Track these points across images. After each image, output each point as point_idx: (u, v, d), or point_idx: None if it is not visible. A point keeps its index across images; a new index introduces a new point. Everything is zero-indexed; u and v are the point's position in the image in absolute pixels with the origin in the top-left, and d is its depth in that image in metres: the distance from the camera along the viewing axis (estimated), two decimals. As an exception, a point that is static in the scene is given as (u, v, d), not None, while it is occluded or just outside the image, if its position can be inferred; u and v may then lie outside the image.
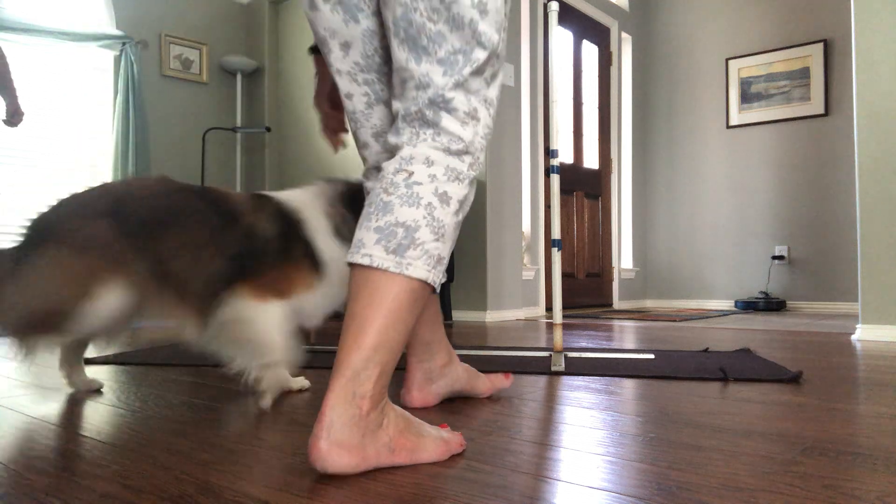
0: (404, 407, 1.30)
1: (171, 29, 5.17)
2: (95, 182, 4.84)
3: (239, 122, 5.55)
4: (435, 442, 0.93)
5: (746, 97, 5.13)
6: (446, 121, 0.97)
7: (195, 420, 1.20)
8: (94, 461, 0.93)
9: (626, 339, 2.70)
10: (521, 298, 4.19)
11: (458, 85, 0.97)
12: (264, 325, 1.35)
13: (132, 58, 4.80)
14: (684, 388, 1.51)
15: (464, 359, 1.99)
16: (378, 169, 1.19)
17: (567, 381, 1.62)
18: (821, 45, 4.81)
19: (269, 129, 5.23)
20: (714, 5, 5.32)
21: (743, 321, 3.74)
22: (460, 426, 1.13)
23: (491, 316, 3.91)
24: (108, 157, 4.84)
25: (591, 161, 5.21)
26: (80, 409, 1.31)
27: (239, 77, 5.52)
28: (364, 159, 1.21)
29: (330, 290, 1.48)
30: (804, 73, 4.88)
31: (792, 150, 4.94)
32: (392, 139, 1.00)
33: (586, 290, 5.10)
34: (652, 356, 1.99)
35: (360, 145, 1.19)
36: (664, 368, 1.77)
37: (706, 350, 2.21)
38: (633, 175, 5.54)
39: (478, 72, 0.98)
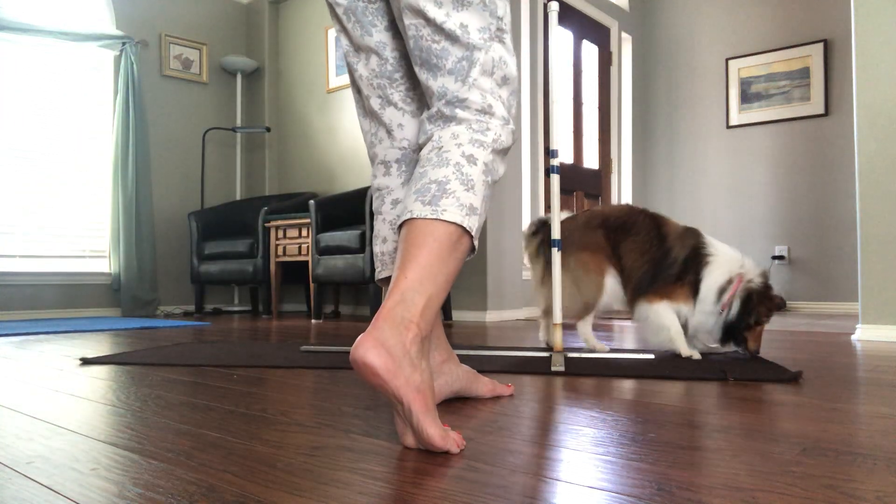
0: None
1: (171, 29, 5.17)
2: (94, 181, 4.85)
3: (239, 122, 5.55)
4: (439, 426, 0.95)
5: (746, 97, 5.13)
6: (463, 113, 1.10)
7: (195, 420, 1.20)
8: (94, 461, 0.93)
9: (626, 339, 2.70)
10: (521, 298, 4.19)
11: (471, 86, 1.10)
12: (656, 319, 2.04)
13: (132, 58, 4.80)
14: (684, 388, 1.51)
15: (463, 359, 1.99)
16: (385, 164, 1.31)
17: (567, 381, 1.62)
18: (821, 45, 4.81)
19: (269, 129, 5.23)
20: (714, 5, 5.32)
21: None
22: (460, 426, 1.13)
23: (491, 316, 3.91)
24: (108, 156, 4.84)
25: (591, 161, 5.21)
26: (81, 409, 1.31)
27: (239, 77, 5.52)
28: (375, 156, 1.33)
29: (699, 316, 2.03)
30: (804, 73, 4.88)
31: (792, 150, 4.94)
32: (421, 139, 1.15)
33: (586, 290, 5.09)
34: (652, 356, 1.99)
35: (378, 140, 1.32)
36: (664, 368, 1.77)
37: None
38: (633, 175, 5.54)
39: (485, 72, 1.10)
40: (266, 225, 4.47)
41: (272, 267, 4.45)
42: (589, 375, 1.71)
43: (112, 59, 4.91)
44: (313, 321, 3.96)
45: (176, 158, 5.20)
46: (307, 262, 4.50)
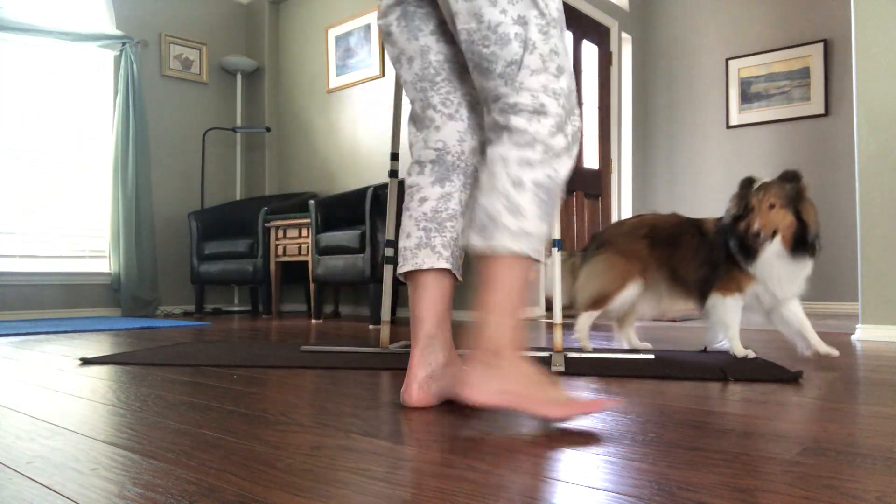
0: (403, 405, 1.30)
1: (171, 29, 5.17)
2: (94, 181, 4.85)
3: (239, 122, 5.55)
4: (552, 407, 1.10)
5: (746, 97, 5.13)
6: (514, 121, 1.14)
7: (195, 420, 1.20)
8: (94, 461, 0.93)
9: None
10: (521, 298, 4.19)
11: (520, 89, 1.14)
12: (724, 312, 2.06)
13: (132, 58, 4.80)
14: (684, 388, 1.51)
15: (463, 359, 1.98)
16: (420, 164, 1.38)
17: (567, 381, 1.62)
18: (821, 45, 4.81)
19: (269, 129, 5.23)
20: (714, 5, 5.32)
21: (743, 321, 3.73)
22: (461, 425, 1.13)
23: (491, 316, 3.90)
24: (108, 156, 4.84)
25: (591, 161, 5.21)
26: (80, 409, 1.31)
27: (239, 77, 5.52)
28: (414, 156, 1.41)
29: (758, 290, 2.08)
30: (804, 73, 4.88)
31: (792, 150, 4.94)
32: (487, 147, 1.22)
33: (586, 290, 5.09)
34: (652, 356, 1.99)
35: (419, 142, 1.40)
36: (664, 368, 1.77)
37: (704, 350, 2.21)
38: (633, 175, 5.54)
39: (535, 71, 1.13)
40: (266, 225, 4.47)
41: (272, 267, 4.45)
42: (589, 375, 1.70)
43: (112, 59, 4.91)
44: (313, 321, 3.96)
45: (176, 158, 5.20)
46: (307, 262, 4.50)
